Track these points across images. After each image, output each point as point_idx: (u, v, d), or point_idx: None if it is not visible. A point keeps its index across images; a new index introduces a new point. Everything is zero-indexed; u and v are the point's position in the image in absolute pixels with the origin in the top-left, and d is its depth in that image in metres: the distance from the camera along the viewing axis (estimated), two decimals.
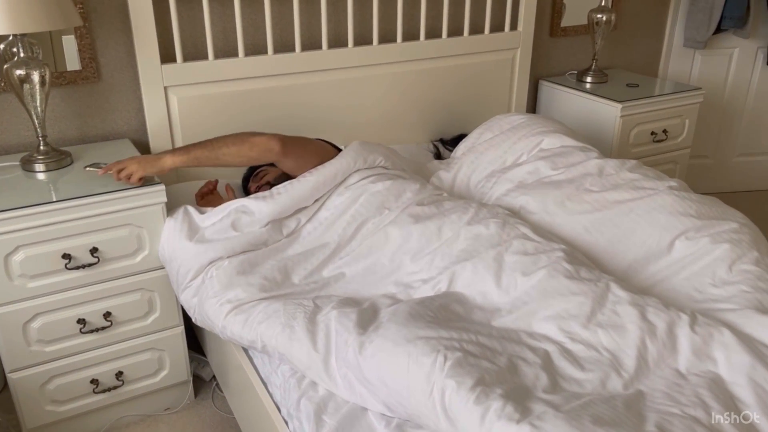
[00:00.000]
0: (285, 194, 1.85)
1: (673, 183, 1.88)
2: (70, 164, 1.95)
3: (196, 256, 1.73)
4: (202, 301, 1.68)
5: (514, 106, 2.83)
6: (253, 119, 2.28)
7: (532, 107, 2.98)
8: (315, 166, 1.93)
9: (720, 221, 1.72)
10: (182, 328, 1.99)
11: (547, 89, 2.90)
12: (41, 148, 1.91)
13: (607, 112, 2.62)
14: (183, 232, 1.78)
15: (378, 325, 1.43)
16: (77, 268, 1.76)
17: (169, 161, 1.81)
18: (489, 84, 2.72)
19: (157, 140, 2.15)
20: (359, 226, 1.83)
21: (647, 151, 2.71)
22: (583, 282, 1.53)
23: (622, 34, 3.09)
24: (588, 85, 2.82)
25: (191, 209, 1.86)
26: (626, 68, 3.16)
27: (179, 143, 2.19)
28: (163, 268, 1.88)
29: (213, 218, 1.83)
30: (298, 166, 1.93)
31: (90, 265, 1.77)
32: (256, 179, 2.09)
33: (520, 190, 1.96)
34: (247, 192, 2.15)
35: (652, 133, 2.69)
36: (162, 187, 1.81)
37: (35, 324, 1.77)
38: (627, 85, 2.82)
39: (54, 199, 1.70)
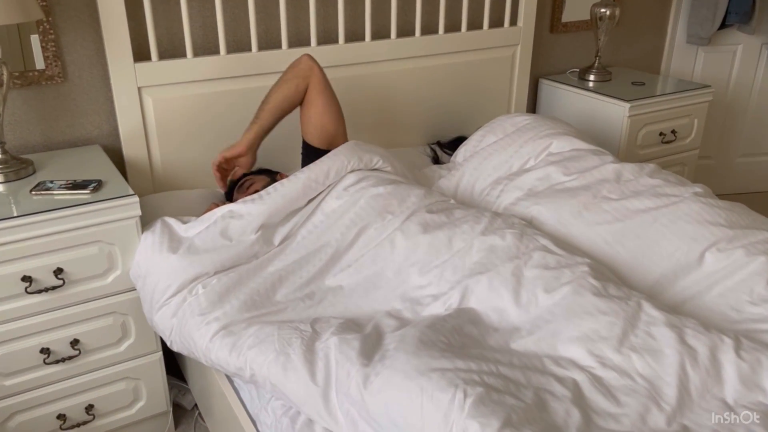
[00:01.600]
0: (275, 193, 1.70)
1: (697, 189, 1.72)
2: (32, 174, 1.75)
3: (181, 269, 1.55)
4: (184, 320, 1.49)
5: (513, 106, 2.67)
6: (236, 122, 2.09)
7: (532, 107, 2.82)
8: (335, 129, 1.91)
9: (753, 231, 1.57)
10: (160, 353, 1.80)
11: (548, 88, 2.74)
12: None
13: (613, 112, 2.47)
14: (163, 245, 1.60)
15: (384, 353, 1.26)
16: (39, 291, 1.56)
17: (250, 135, 1.82)
18: (488, 83, 2.56)
19: (131, 146, 1.95)
20: (360, 231, 1.66)
21: (655, 152, 2.56)
22: (612, 300, 1.37)
23: (623, 30, 2.95)
24: (591, 84, 2.67)
25: (170, 220, 1.69)
26: (627, 66, 3.01)
27: (155, 149, 2.00)
28: (135, 289, 1.68)
29: (198, 227, 1.65)
30: (322, 113, 1.90)
31: (54, 288, 1.58)
32: (241, 189, 1.91)
33: (531, 199, 1.79)
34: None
35: (661, 133, 2.54)
36: (135, 199, 1.62)
37: None
38: (632, 83, 2.67)
39: (13, 214, 1.51)
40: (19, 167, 1.72)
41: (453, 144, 2.44)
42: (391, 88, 2.33)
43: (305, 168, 1.79)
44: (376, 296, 1.55)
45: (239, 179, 1.94)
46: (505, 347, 1.33)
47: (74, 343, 1.65)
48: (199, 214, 1.90)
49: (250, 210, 1.66)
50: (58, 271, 1.57)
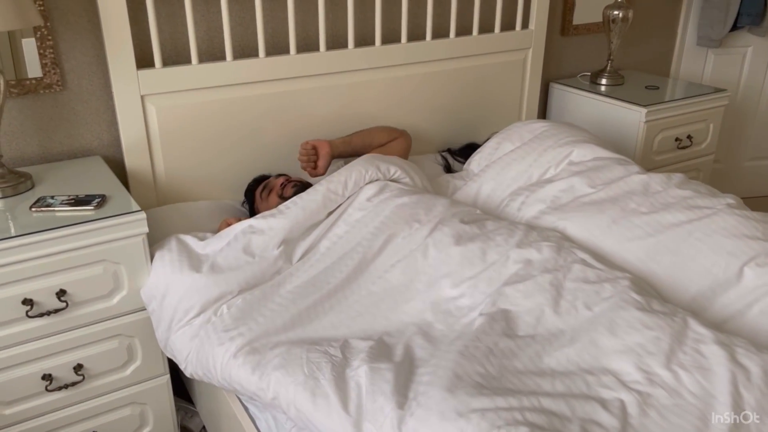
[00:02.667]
0: (294, 207, 1.65)
1: (730, 200, 1.66)
2: (30, 188, 1.65)
3: (205, 288, 1.48)
4: (206, 339, 1.42)
5: (525, 111, 2.59)
6: (243, 131, 2.00)
7: (542, 112, 2.75)
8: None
9: None
10: (168, 376, 1.71)
11: (559, 93, 2.67)
12: None
13: (629, 118, 2.40)
14: (183, 263, 1.52)
15: (417, 390, 1.18)
16: (41, 315, 1.47)
17: (337, 140, 1.93)
18: (498, 88, 2.48)
19: (133, 157, 1.86)
20: (387, 239, 1.60)
21: (670, 158, 2.50)
22: (656, 315, 1.31)
23: (633, 32, 2.88)
24: (603, 88, 2.60)
25: (186, 237, 1.62)
26: (636, 68, 2.95)
27: (159, 159, 1.90)
28: (145, 309, 1.59)
29: (217, 244, 1.58)
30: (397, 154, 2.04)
31: (57, 311, 1.48)
32: (274, 188, 1.85)
33: (556, 213, 1.71)
34: (252, 207, 1.91)
35: (677, 139, 2.48)
36: (142, 215, 1.53)
37: None
38: (646, 87, 2.61)
39: (12, 234, 1.41)
40: (17, 181, 1.62)
41: (464, 151, 2.36)
42: (401, 93, 2.25)
43: (322, 180, 1.73)
44: (406, 308, 1.49)
45: (263, 178, 1.94)
46: (545, 368, 1.26)
47: (78, 368, 1.56)
48: (206, 228, 1.83)
49: (271, 225, 1.59)
50: (60, 293, 1.48)
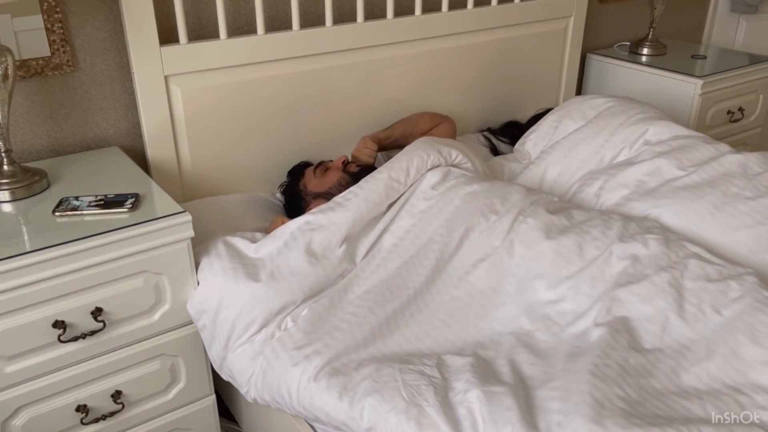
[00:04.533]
0: (356, 198, 1.45)
1: None
2: (46, 188, 1.42)
3: (266, 299, 1.28)
4: (274, 359, 1.22)
5: (563, 86, 2.41)
6: (277, 113, 1.78)
7: (579, 87, 2.56)
8: None
9: None
10: (213, 397, 1.50)
11: (597, 64, 2.49)
12: (5, 168, 1.37)
13: (680, 90, 2.24)
14: (238, 271, 1.32)
15: (550, 420, 1.00)
16: (75, 339, 1.25)
17: (379, 134, 1.80)
18: (536, 61, 2.29)
19: (156, 147, 1.63)
20: (464, 234, 1.41)
21: (721, 133, 2.35)
22: None
23: None
24: (644, 58, 2.43)
25: (233, 239, 1.41)
26: (671, 37, 2.77)
27: (185, 148, 1.67)
28: (189, 323, 1.39)
29: (272, 245, 1.38)
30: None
31: (93, 332, 1.26)
32: (334, 165, 1.71)
33: (645, 200, 1.54)
34: (294, 191, 1.71)
35: (729, 111, 2.32)
36: (188, 217, 1.31)
37: (19, 420, 1.25)
38: (692, 56, 2.44)
39: (35, 246, 1.18)
40: (31, 180, 1.39)
41: (506, 130, 2.18)
42: (430, 70, 2.03)
43: (382, 168, 1.53)
44: (497, 315, 1.31)
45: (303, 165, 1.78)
46: (686, 387, 1.10)
47: (116, 395, 1.34)
48: (245, 225, 1.62)
49: (332, 219, 1.40)
50: (96, 312, 1.26)
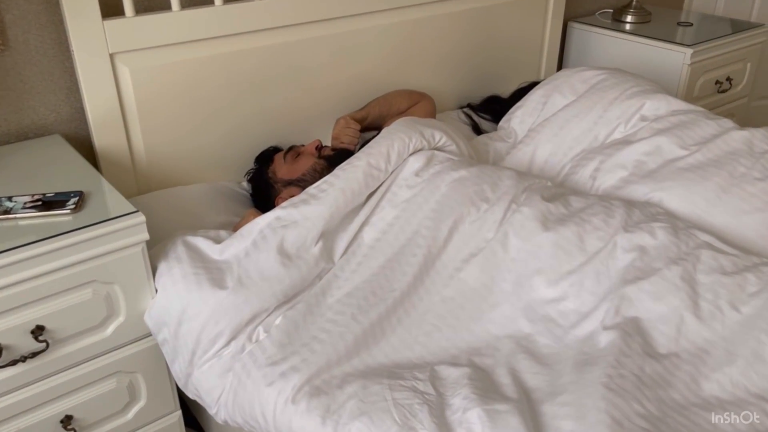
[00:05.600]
0: (331, 189, 1.30)
1: None
2: None
3: (233, 308, 1.13)
4: (245, 376, 1.08)
5: (545, 57, 2.27)
6: (241, 94, 1.60)
7: (560, 57, 2.43)
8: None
9: None
10: (179, 413, 1.36)
11: (580, 34, 2.36)
12: None
13: (668, 59, 2.12)
14: (201, 276, 1.16)
15: None
16: (13, 363, 1.08)
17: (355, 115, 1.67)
18: (516, 31, 2.14)
19: (104, 134, 1.44)
20: (453, 225, 1.27)
21: (708, 105, 2.24)
22: None
23: None
24: (628, 26, 2.30)
25: (194, 239, 1.25)
26: (651, 2, 2.64)
27: (137, 135, 1.50)
28: (148, 335, 1.23)
29: (238, 245, 1.23)
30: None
31: (35, 354, 1.10)
32: (306, 150, 1.56)
33: (646, 182, 1.42)
34: (263, 179, 1.55)
35: (717, 81, 2.21)
36: (141, 218, 1.14)
37: None
38: (678, 24, 2.32)
39: None
40: None
41: (487, 106, 2.04)
42: (404, 43, 1.86)
43: (359, 153, 1.38)
44: (492, 316, 1.19)
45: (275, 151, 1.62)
46: (708, 397, 0.99)
47: (66, 421, 1.19)
48: (208, 221, 1.46)
49: (306, 213, 1.24)
50: (37, 331, 1.09)
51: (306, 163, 1.51)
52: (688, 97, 2.15)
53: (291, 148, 1.56)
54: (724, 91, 2.25)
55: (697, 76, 2.13)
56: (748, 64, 2.30)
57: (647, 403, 0.94)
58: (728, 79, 2.24)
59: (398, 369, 1.08)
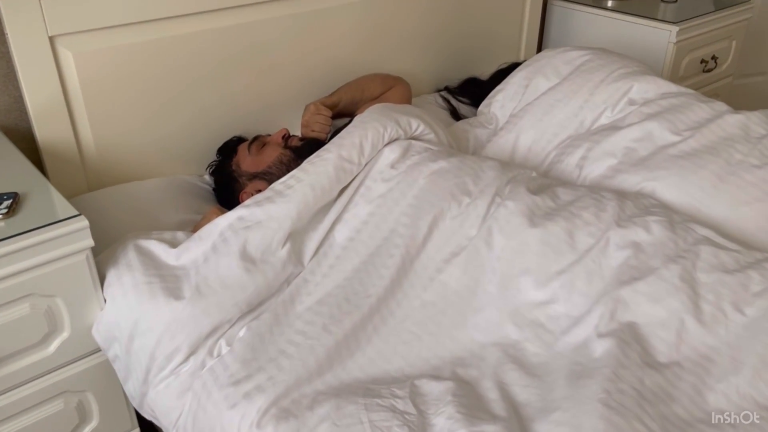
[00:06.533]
0: (299, 185, 1.19)
1: None
2: None
3: (192, 320, 1.02)
4: (206, 397, 0.97)
5: (525, 36, 2.16)
6: (196, 80, 1.47)
7: (540, 36, 2.32)
8: None
9: None
10: (137, 431, 1.24)
11: (561, 11, 2.25)
12: None
13: (652, 38, 2.02)
14: (155, 286, 1.05)
15: None
16: None
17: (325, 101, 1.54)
18: (495, 8, 2.03)
19: (47, 127, 1.31)
20: (433, 222, 1.17)
21: (693, 85, 2.15)
22: None
23: None
24: (610, 3, 2.20)
25: (147, 243, 1.13)
26: None
27: (85, 127, 1.36)
28: (97, 351, 1.11)
29: (196, 249, 1.12)
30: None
31: None
32: (273, 140, 1.44)
33: (637, 171, 1.32)
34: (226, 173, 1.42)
35: (702, 60, 2.13)
36: (83, 222, 1.02)
37: None
38: (661, 0, 2.22)
39: None
40: None
41: (466, 89, 1.93)
42: (375, 22, 1.74)
43: (329, 145, 1.27)
44: (477, 322, 1.09)
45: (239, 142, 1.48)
46: (714, 409, 0.91)
47: None
48: (165, 221, 1.34)
49: (271, 213, 1.13)
50: None
51: (272, 154, 1.39)
52: (674, 77, 2.06)
53: (256, 138, 1.44)
54: (709, 71, 2.17)
55: (682, 55, 2.04)
56: (734, 42, 2.22)
57: (649, 421, 0.85)
58: (713, 58, 2.16)
59: (375, 385, 0.98)
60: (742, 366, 0.94)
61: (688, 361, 0.96)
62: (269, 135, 1.48)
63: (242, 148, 1.44)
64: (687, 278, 1.04)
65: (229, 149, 1.48)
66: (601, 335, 0.99)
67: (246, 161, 1.41)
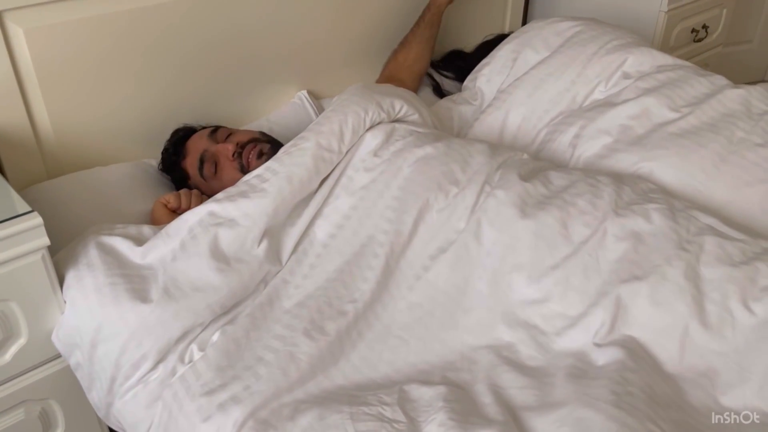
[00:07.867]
0: (275, 178, 1.09)
1: None
2: None
3: (160, 326, 0.94)
4: (177, 407, 0.90)
5: (510, 5, 2.07)
6: (157, 58, 1.36)
7: (525, 6, 2.23)
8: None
9: None
10: None
11: None
12: None
13: (641, 7, 1.94)
14: (118, 287, 0.96)
15: None
16: None
17: None
18: None
19: None
20: (419, 215, 1.10)
21: (683, 55, 2.08)
22: None
23: None
24: None
25: (110, 240, 1.04)
26: None
27: (40, 108, 1.25)
28: (59, 356, 1.03)
29: (164, 247, 1.02)
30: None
31: None
32: (223, 156, 1.25)
33: (633, 150, 1.25)
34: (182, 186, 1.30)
35: (693, 30, 2.06)
36: (37, 220, 0.93)
37: None
38: None
39: None
40: None
41: (449, 62, 1.84)
42: None
43: (307, 132, 1.17)
44: (467, 323, 1.02)
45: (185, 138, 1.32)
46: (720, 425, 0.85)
47: None
48: (130, 210, 1.25)
49: (245, 209, 1.04)
50: None
51: (231, 178, 1.21)
52: (665, 47, 1.99)
53: (204, 159, 1.25)
54: (699, 40, 2.10)
55: (673, 25, 1.97)
56: (724, 10, 2.15)
57: (663, 423, 0.79)
58: (704, 27, 2.09)
59: (360, 392, 0.91)
60: (750, 375, 0.88)
61: (693, 368, 0.91)
62: (228, 128, 1.32)
63: (191, 164, 1.28)
64: (691, 275, 0.97)
65: (174, 169, 1.32)
66: (598, 345, 0.93)
67: (197, 180, 1.27)
